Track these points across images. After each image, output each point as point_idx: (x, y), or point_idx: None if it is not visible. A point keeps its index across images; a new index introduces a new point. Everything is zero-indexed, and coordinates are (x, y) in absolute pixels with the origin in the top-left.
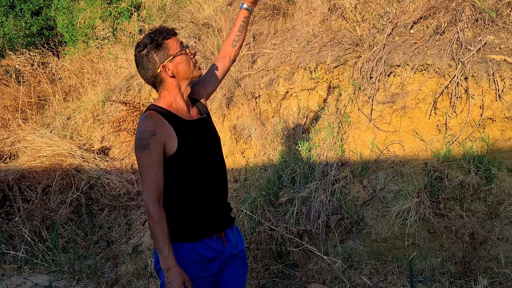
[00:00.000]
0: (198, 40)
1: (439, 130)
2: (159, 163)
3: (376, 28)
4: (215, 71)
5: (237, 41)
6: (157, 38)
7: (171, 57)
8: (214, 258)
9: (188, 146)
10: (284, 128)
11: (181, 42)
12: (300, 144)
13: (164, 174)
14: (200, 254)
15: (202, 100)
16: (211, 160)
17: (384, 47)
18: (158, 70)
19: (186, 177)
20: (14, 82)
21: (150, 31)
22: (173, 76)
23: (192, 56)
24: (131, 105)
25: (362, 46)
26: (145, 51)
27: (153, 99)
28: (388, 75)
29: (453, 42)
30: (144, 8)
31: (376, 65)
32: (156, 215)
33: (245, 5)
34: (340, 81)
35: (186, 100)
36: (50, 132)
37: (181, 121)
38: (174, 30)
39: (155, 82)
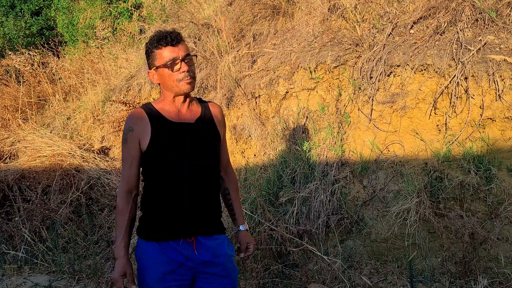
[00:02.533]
0: (198, 40)
1: (439, 130)
2: (133, 158)
3: (376, 28)
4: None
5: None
6: (152, 43)
7: (155, 67)
8: (183, 263)
9: (160, 145)
10: (284, 128)
11: (173, 58)
12: (300, 144)
13: (143, 170)
14: (167, 254)
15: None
16: (189, 165)
17: (384, 47)
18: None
19: (156, 175)
20: (14, 82)
21: (158, 32)
22: (159, 84)
23: (181, 71)
24: (131, 105)
25: (362, 46)
26: (145, 52)
27: (153, 99)
28: (388, 75)
29: (453, 42)
30: (144, 8)
31: (376, 65)
32: (120, 206)
33: (236, 231)
34: (340, 81)
35: (179, 104)
36: (50, 132)
37: (163, 121)
38: (174, 39)
39: None
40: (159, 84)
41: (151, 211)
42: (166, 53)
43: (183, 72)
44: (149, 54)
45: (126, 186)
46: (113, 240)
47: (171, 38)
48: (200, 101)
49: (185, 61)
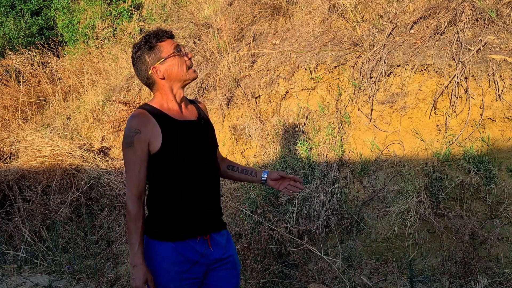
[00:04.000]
0: (198, 40)
1: (439, 130)
2: (141, 161)
3: (376, 28)
4: None
5: (230, 173)
6: (151, 40)
7: (162, 59)
8: (198, 260)
9: (172, 145)
10: (284, 128)
11: (177, 45)
12: (300, 144)
13: (151, 171)
14: (183, 254)
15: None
16: (198, 163)
17: (384, 47)
18: (149, 72)
19: (170, 175)
20: (14, 82)
21: (146, 33)
22: (164, 78)
23: (187, 59)
24: (131, 105)
25: (362, 46)
26: (138, 52)
27: None
28: (388, 75)
29: (453, 42)
30: (144, 8)
31: (376, 65)
32: (133, 212)
33: (265, 178)
34: (340, 81)
35: (180, 101)
36: (50, 132)
37: (170, 120)
38: (171, 32)
39: (148, 83)
40: (161, 79)
41: (163, 211)
42: (170, 44)
43: (189, 59)
44: (150, 50)
45: (136, 191)
46: (129, 246)
47: (167, 31)
48: (187, 99)
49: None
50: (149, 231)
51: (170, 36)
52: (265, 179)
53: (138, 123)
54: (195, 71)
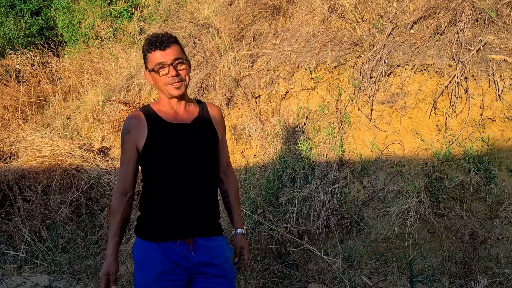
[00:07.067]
0: (198, 40)
1: (439, 130)
2: (129, 160)
3: (376, 28)
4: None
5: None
6: (144, 48)
7: (148, 70)
8: (180, 263)
9: (155, 146)
10: (284, 128)
11: (160, 62)
12: (300, 144)
13: (141, 170)
14: (166, 255)
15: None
16: (186, 166)
17: (384, 47)
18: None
19: (153, 176)
20: (14, 82)
21: (149, 36)
22: (154, 85)
23: (169, 76)
24: (131, 105)
25: (362, 46)
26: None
27: (153, 99)
28: (388, 75)
29: (453, 42)
30: (144, 8)
31: (376, 65)
32: (114, 207)
33: (238, 232)
34: (340, 81)
35: (175, 105)
36: (50, 132)
37: (160, 122)
38: (162, 44)
39: None
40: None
41: (149, 211)
42: (155, 58)
43: (170, 76)
44: (143, 56)
45: (121, 187)
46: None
47: (160, 42)
48: (198, 102)
49: (173, 65)
50: (137, 230)
51: (160, 47)
52: (233, 234)
53: (129, 124)
54: (177, 88)
